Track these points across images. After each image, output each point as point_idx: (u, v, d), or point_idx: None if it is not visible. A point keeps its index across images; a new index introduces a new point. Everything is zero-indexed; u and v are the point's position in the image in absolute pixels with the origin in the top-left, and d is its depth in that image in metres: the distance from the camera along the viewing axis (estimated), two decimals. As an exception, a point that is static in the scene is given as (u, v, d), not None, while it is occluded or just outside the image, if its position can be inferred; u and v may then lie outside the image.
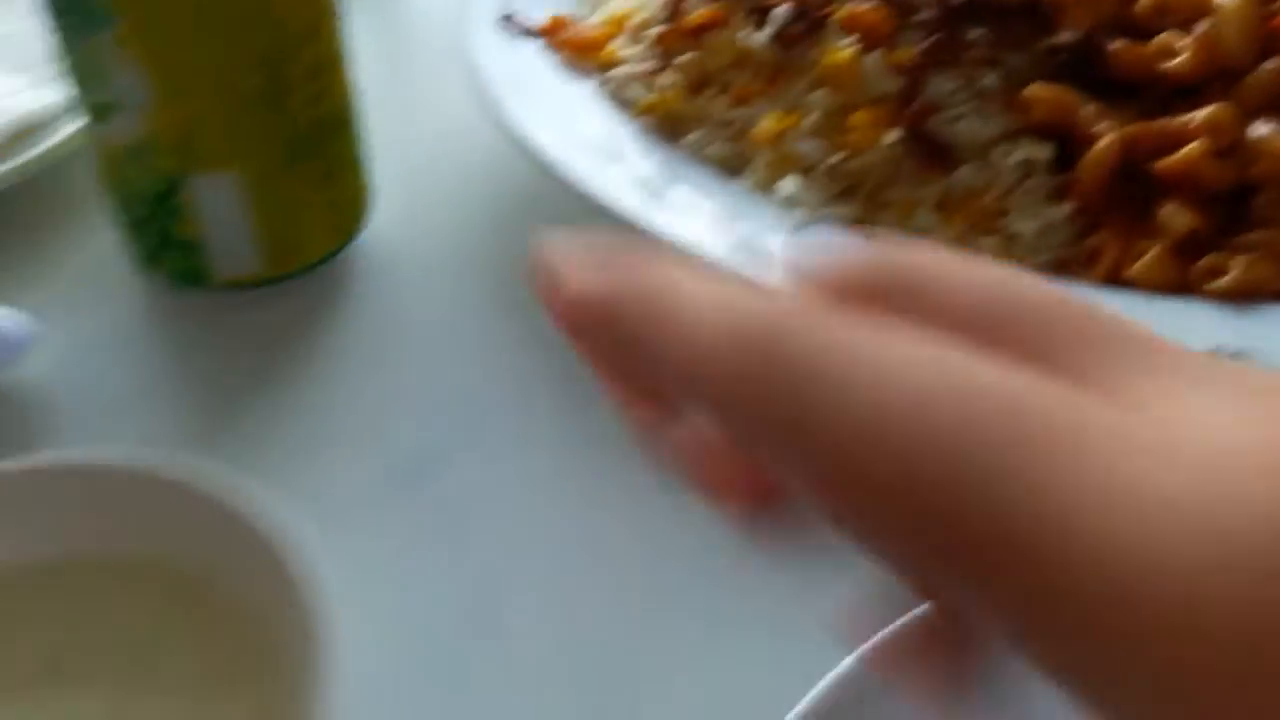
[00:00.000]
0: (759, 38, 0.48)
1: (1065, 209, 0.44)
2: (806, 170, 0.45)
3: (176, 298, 0.45)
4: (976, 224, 0.44)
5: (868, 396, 0.12)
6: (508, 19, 0.54)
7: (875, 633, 0.17)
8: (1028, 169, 0.45)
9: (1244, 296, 0.41)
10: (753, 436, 0.14)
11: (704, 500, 0.17)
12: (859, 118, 0.45)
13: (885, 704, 0.22)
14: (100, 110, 0.41)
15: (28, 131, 0.51)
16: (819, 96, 0.46)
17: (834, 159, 0.45)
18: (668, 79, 0.50)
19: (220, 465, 0.26)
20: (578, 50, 0.53)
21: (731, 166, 0.47)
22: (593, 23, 0.54)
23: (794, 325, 0.13)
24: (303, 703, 0.22)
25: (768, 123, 0.46)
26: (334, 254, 0.46)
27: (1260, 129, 0.43)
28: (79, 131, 0.50)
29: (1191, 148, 0.43)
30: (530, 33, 0.53)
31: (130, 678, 0.24)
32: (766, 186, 0.45)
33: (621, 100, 0.50)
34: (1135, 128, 0.44)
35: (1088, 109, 0.45)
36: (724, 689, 0.30)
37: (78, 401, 0.41)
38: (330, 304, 0.45)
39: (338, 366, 0.43)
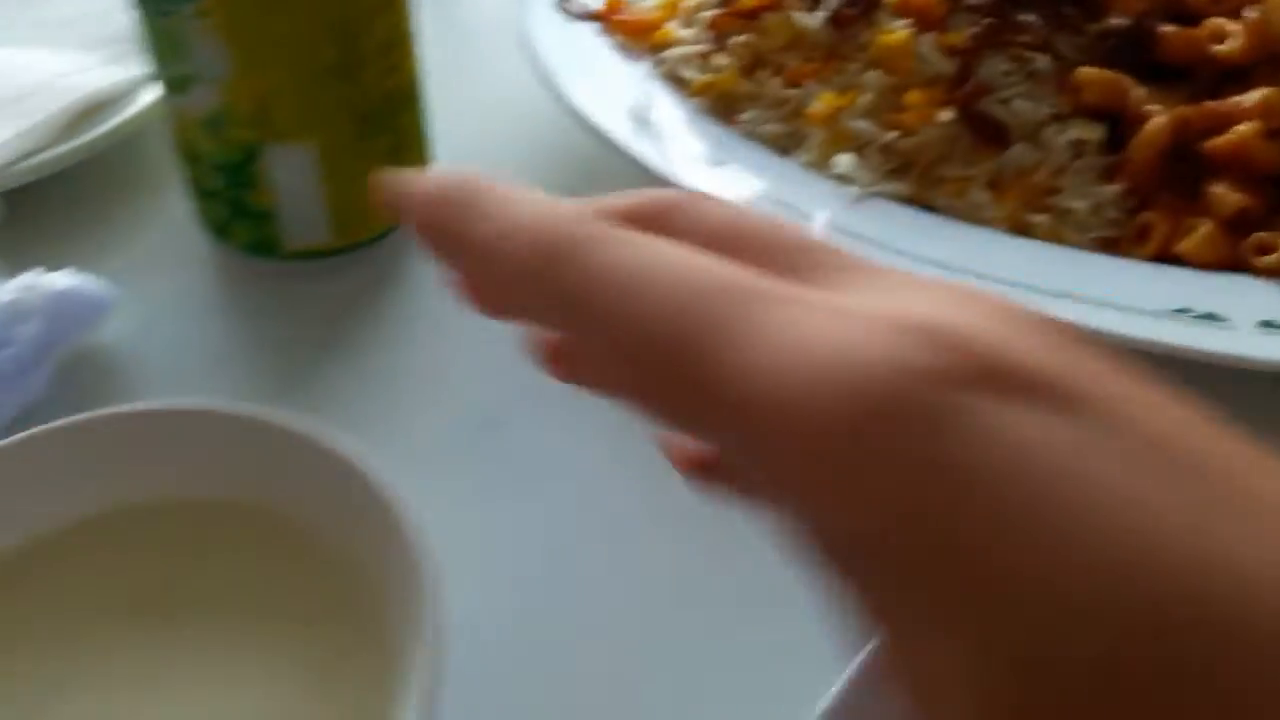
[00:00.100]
0: (813, 20, 0.49)
1: (1116, 187, 0.44)
2: (860, 148, 0.46)
3: (248, 267, 0.46)
4: (1028, 202, 0.44)
5: (624, 279, 0.16)
6: (565, 1, 0.54)
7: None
8: (1079, 149, 0.45)
9: (1294, 272, 0.41)
10: (542, 312, 0.17)
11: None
12: (913, 97, 0.46)
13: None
14: (179, 82, 0.42)
15: (100, 107, 0.52)
16: (873, 77, 0.47)
17: (888, 137, 0.46)
18: (722, 60, 0.50)
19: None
20: (633, 32, 0.53)
21: (785, 145, 0.48)
22: (648, 5, 0.55)
23: (581, 227, 0.17)
24: (405, 646, 0.22)
25: (822, 102, 0.47)
26: (400, 226, 0.47)
27: (1311, 110, 0.43)
28: (154, 105, 0.51)
29: (1243, 129, 0.43)
30: (587, 15, 0.54)
31: (228, 617, 0.24)
32: (820, 164, 0.46)
33: (676, 80, 0.51)
34: (1186, 109, 0.44)
35: (1138, 91, 0.45)
36: (790, 628, 0.31)
37: (153, 364, 0.42)
38: (396, 273, 0.46)
39: (403, 332, 0.43)
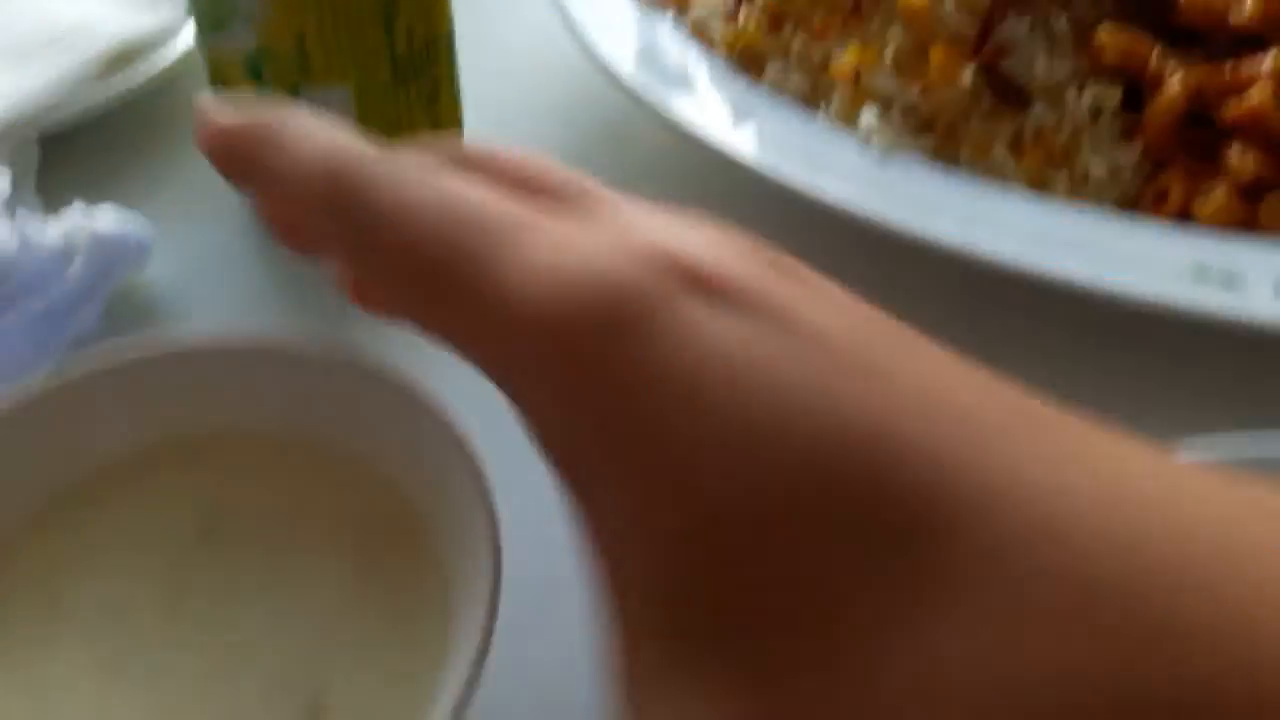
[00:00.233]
0: (839, -23, 0.49)
1: (1134, 149, 0.44)
2: (884, 105, 0.46)
3: (282, 210, 0.46)
4: (1049, 161, 0.44)
5: (405, 209, 0.17)
6: (593, -46, 0.54)
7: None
8: (1098, 110, 0.45)
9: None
10: (333, 242, 0.19)
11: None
12: (936, 55, 0.46)
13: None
14: (216, 23, 0.42)
15: (136, 51, 0.52)
16: (896, 33, 0.47)
17: (910, 95, 0.46)
18: (747, 15, 0.50)
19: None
20: (660, -13, 0.53)
21: (809, 101, 0.48)
22: (675, -40, 0.55)
23: (369, 161, 0.18)
24: (465, 575, 0.23)
25: (847, 57, 0.47)
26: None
27: (1328, 76, 0.43)
28: (190, 49, 0.51)
29: (1258, 94, 0.43)
30: (615, -32, 0.54)
31: (283, 545, 0.24)
32: (845, 120, 0.46)
33: (702, 36, 0.51)
34: (1203, 73, 0.45)
35: (1158, 53, 0.45)
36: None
37: (196, 302, 0.42)
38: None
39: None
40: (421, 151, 0.20)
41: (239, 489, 0.26)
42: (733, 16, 0.51)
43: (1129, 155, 0.44)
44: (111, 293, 0.40)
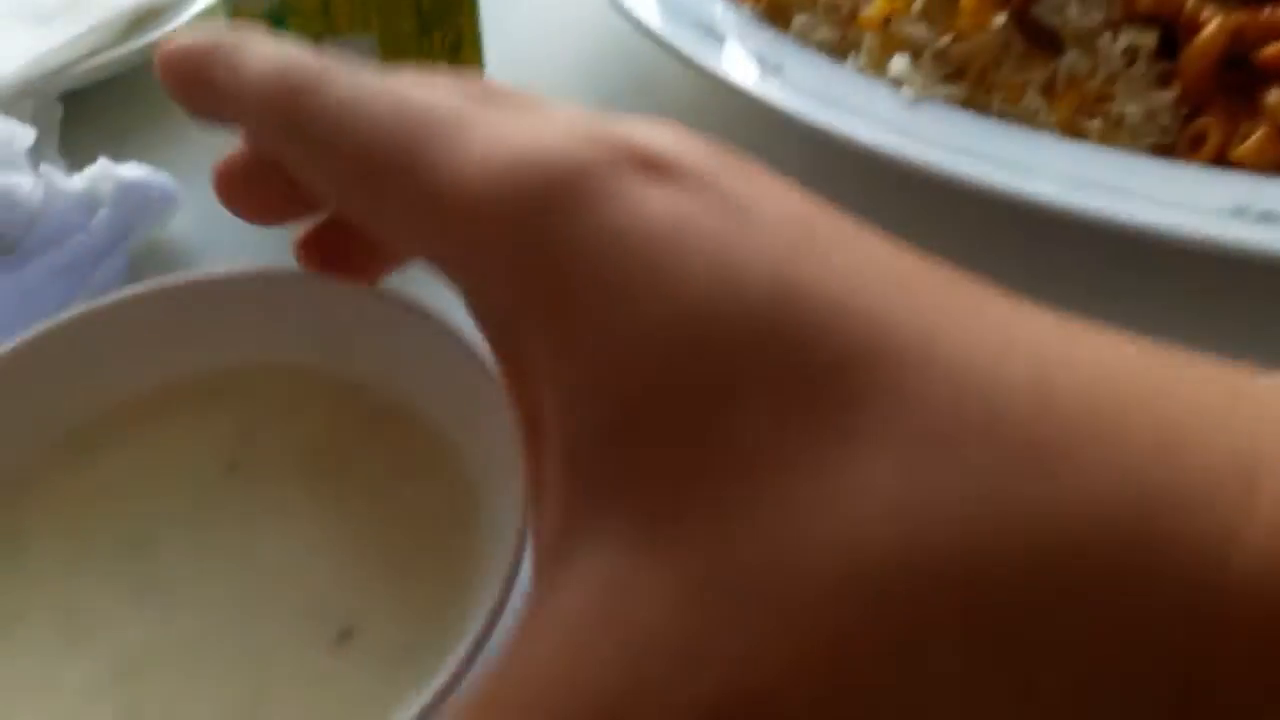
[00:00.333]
0: (867, -75, 0.48)
1: (1170, 94, 0.43)
2: (915, 53, 0.45)
3: (306, 165, 0.45)
4: (1082, 107, 0.43)
5: (354, 105, 0.18)
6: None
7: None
8: (1132, 55, 0.44)
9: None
10: (284, 143, 0.19)
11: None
12: (967, 2, 0.45)
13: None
14: (240, -23, 0.41)
15: (159, 9, 0.51)
16: (927, -18, 0.46)
17: (941, 43, 0.45)
18: (773, -32, 0.49)
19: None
20: (684, -60, 0.52)
21: (837, 51, 0.47)
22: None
23: (319, 66, 0.19)
24: (495, 510, 0.22)
25: (876, 6, 0.46)
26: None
27: (1370, 16, 0.42)
28: (212, 7, 0.50)
29: (1297, 36, 0.42)
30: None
31: (311, 477, 0.24)
32: (874, 69, 0.45)
33: (727, -12, 0.50)
34: (1239, 17, 0.43)
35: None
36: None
37: (216, 260, 0.42)
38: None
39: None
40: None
41: (265, 423, 0.25)
42: (758, -31, 0.50)
43: (1164, 100, 0.43)
44: (136, 247, 0.40)
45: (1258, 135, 0.41)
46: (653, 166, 0.16)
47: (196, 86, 0.21)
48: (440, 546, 0.23)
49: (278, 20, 0.41)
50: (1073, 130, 0.43)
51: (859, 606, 0.13)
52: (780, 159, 0.17)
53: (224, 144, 0.47)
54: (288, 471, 0.24)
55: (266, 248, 0.42)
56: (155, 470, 0.24)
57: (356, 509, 0.24)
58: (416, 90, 0.18)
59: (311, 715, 0.19)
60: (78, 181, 0.39)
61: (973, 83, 0.44)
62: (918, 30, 0.45)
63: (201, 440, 0.25)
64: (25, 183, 0.38)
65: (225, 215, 0.44)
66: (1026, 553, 0.13)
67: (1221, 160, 0.41)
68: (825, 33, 0.47)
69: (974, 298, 0.15)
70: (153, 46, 0.49)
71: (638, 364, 0.14)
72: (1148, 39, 0.44)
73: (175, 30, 0.21)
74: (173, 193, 0.41)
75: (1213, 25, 0.43)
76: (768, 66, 0.44)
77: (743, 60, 0.44)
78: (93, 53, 0.48)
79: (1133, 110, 0.43)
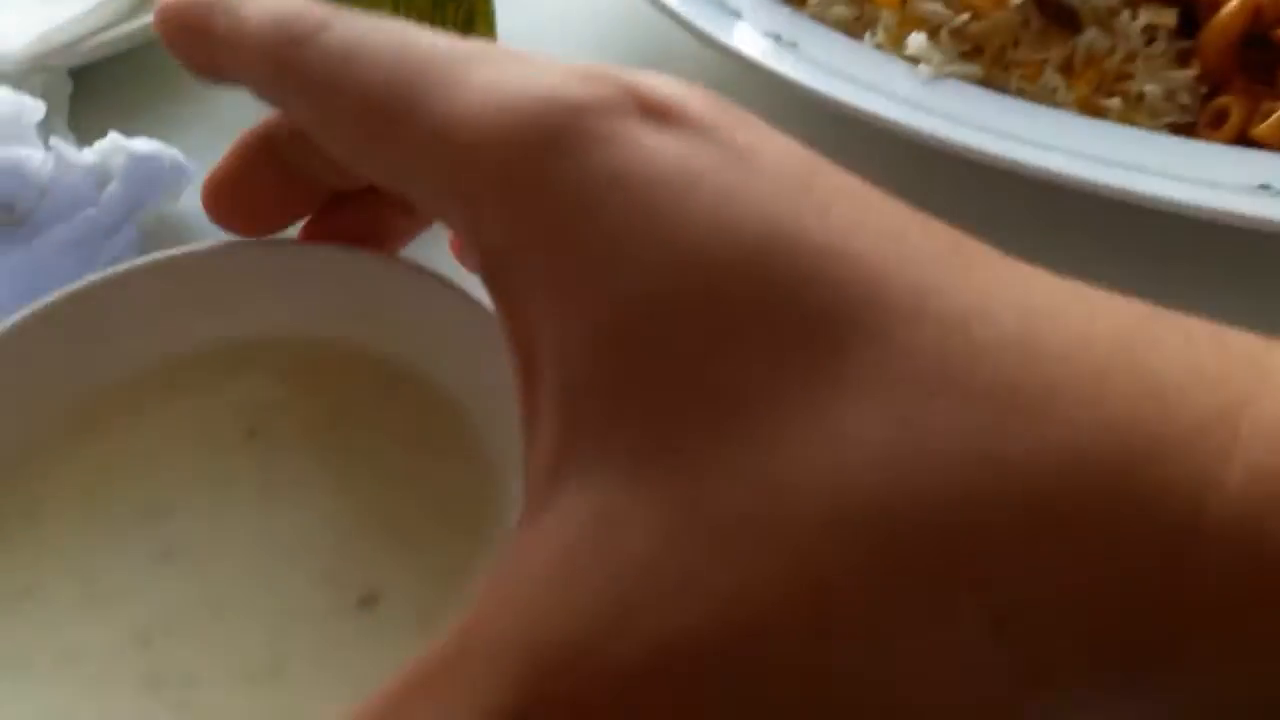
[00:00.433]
0: (884, -98, 0.47)
1: (1189, 72, 0.42)
2: (932, 30, 0.44)
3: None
4: (1101, 86, 0.43)
5: (351, 47, 0.17)
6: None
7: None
8: (1152, 33, 0.43)
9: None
10: (274, 83, 0.19)
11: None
12: (985, -20, 0.44)
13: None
14: (252, -50, 0.41)
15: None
16: (944, -41, 0.45)
17: (959, 20, 0.44)
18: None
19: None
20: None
21: (853, 29, 0.46)
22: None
23: (316, 11, 0.18)
24: (505, 471, 0.22)
25: (893, -16, 0.45)
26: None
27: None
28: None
29: (1318, 15, 0.42)
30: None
31: (329, 445, 0.24)
32: (891, 47, 0.45)
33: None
34: (1260, -5, 0.43)
35: (1212, -24, 0.44)
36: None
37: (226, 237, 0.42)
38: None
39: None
40: None
41: (281, 392, 0.25)
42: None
43: (1184, 78, 0.42)
44: (147, 221, 0.40)
45: (1278, 115, 0.40)
46: (655, 111, 0.16)
47: (196, 39, 0.20)
48: (460, 515, 0.22)
49: (290, -7, 0.41)
50: (1091, 109, 0.42)
51: (843, 549, 0.13)
52: (793, 136, 0.16)
53: (233, 120, 0.47)
54: (305, 441, 0.24)
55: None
56: (172, 440, 0.24)
57: (375, 479, 0.23)
58: (418, 34, 0.18)
59: (335, 679, 0.19)
60: (88, 155, 0.39)
61: (990, 61, 0.44)
62: (935, 8, 0.44)
63: (218, 410, 0.25)
64: (36, 156, 0.38)
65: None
66: (1006, 498, 0.13)
67: (1243, 139, 0.41)
68: (841, 10, 0.46)
69: (967, 253, 0.15)
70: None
71: (633, 304, 0.15)
72: (1167, 17, 0.43)
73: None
74: (184, 166, 0.40)
75: (1233, 3, 0.42)
76: (783, 43, 0.44)
77: (758, 37, 0.44)
78: (102, 28, 0.48)
79: (1152, 89, 0.42)
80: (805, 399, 0.14)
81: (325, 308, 0.26)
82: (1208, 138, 0.41)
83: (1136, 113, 0.42)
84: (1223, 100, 0.42)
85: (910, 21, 0.45)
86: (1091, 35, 0.43)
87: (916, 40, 0.43)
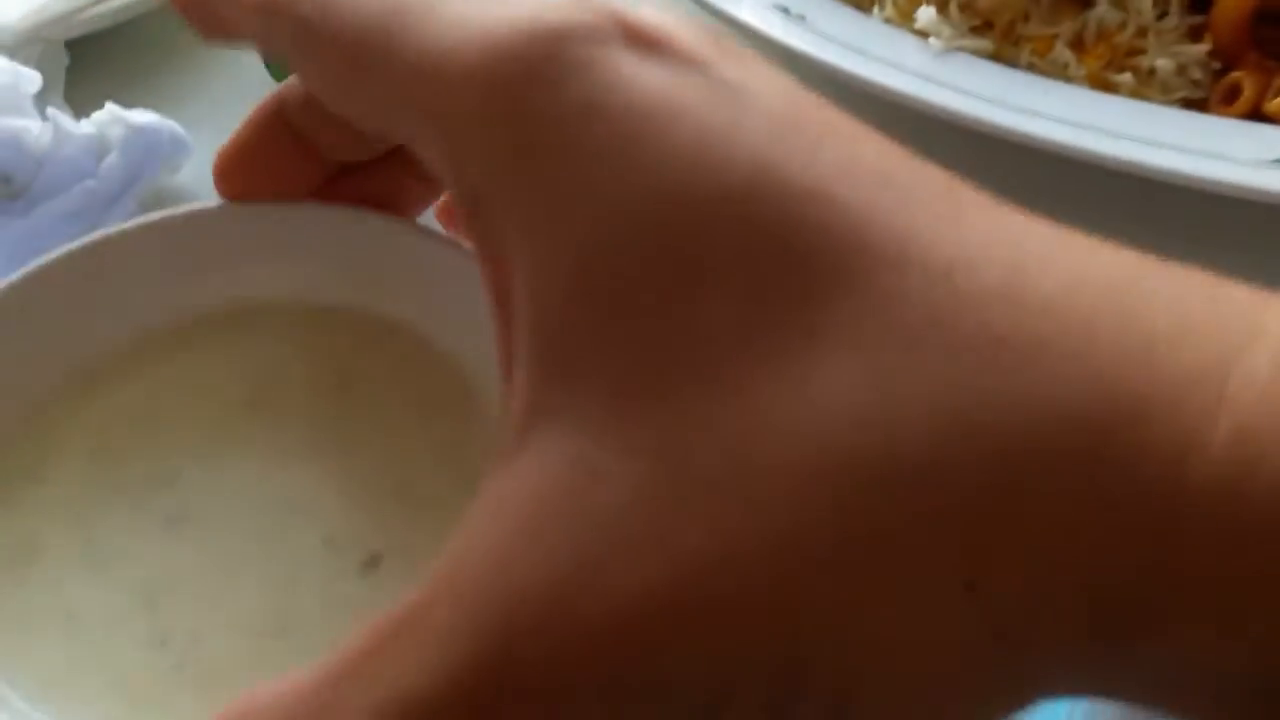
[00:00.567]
0: (893, -125, 0.47)
1: (1202, 47, 0.42)
2: (941, 4, 0.44)
3: (318, 115, 0.45)
4: (1113, 61, 0.42)
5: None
6: None
7: None
8: (1163, 7, 0.43)
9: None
10: (267, 31, 0.18)
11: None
12: (995, -46, 0.44)
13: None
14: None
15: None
16: (953, -68, 0.45)
17: (969, -6, 0.44)
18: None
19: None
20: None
21: (863, 4, 0.46)
22: None
23: None
24: (495, 435, 0.22)
25: (902, -42, 0.45)
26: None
27: None
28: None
29: (1331, -11, 0.41)
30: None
31: (333, 411, 0.23)
32: (900, 20, 0.44)
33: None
34: (1272, -30, 0.43)
35: (1225, -49, 0.43)
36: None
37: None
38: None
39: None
40: None
41: (284, 354, 0.24)
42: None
43: (1196, 54, 0.42)
44: (145, 194, 0.39)
45: (1293, 89, 0.40)
46: (642, 40, 0.15)
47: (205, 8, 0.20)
48: (463, 476, 0.22)
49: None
50: (1103, 84, 0.42)
51: (812, 506, 0.13)
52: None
53: (228, 93, 0.46)
54: (308, 404, 0.24)
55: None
56: (174, 401, 0.24)
57: (379, 441, 0.23)
58: None
59: (340, 639, 0.19)
60: (86, 127, 0.38)
61: (1001, 35, 0.43)
62: (945, -19, 0.44)
63: (221, 372, 0.24)
64: (33, 127, 0.38)
65: (236, 164, 0.43)
66: (981, 458, 0.13)
67: (1256, 115, 0.40)
68: (849, -15, 0.46)
69: (959, 199, 0.15)
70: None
71: (607, 244, 0.14)
72: (1179, -8, 0.43)
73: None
74: (183, 139, 0.40)
75: (1246, -22, 0.42)
76: (791, 15, 0.44)
77: (766, 9, 0.44)
78: (98, 0, 0.47)
79: (1164, 64, 0.42)
80: (781, 349, 0.13)
81: (329, 269, 0.25)
82: (1220, 113, 0.41)
83: (1148, 88, 0.42)
84: (1235, 76, 0.41)
85: (919, -4, 0.44)
86: (1103, 10, 0.43)
87: (926, 14, 0.43)
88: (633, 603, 0.13)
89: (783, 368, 0.13)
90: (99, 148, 0.38)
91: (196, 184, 0.42)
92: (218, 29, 0.21)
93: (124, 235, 0.24)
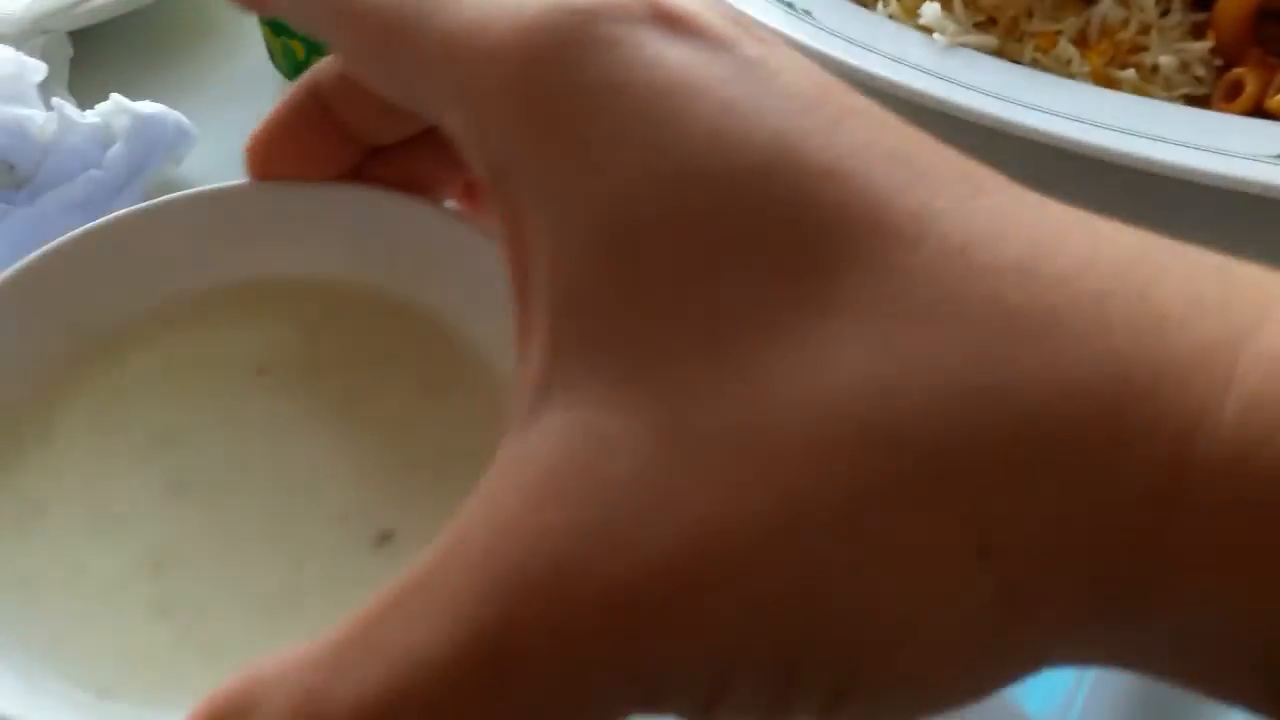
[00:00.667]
0: None
1: (1204, 44, 0.42)
2: (945, 1, 0.44)
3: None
4: (1116, 57, 0.43)
5: None
6: None
7: None
8: (1166, 5, 0.43)
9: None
10: (308, 7, 0.19)
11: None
12: (999, -50, 0.44)
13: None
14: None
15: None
16: (957, -71, 0.45)
17: (973, -9, 0.44)
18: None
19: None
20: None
21: (868, 1, 0.46)
22: None
23: None
24: (507, 415, 0.22)
25: (905, -46, 0.45)
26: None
27: None
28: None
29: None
30: None
31: (343, 386, 0.23)
32: (905, 16, 0.45)
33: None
34: (1277, -33, 0.43)
35: (1228, -52, 0.44)
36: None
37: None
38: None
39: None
40: None
41: (296, 333, 0.24)
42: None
43: (1199, 50, 0.42)
44: (150, 185, 0.39)
45: (1296, 86, 0.40)
46: (669, 19, 0.15)
47: None
48: (474, 454, 0.22)
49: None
50: (1106, 81, 0.42)
51: (822, 475, 0.13)
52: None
53: (231, 85, 0.47)
54: (319, 380, 0.24)
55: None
56: (184, 374, 0.24)
57: (391, 421, 0.23)
58: None
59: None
60: (91, 116, 0.38)
61: (1004, 31, 0.44)
62: (949, -23, 0.44)
63: (237, 347, 0.24)
64: (38, 116, 0.38)
65: (240, 154, 0.43)
66: (994, 428, 0.13)
67: (1258, 112, 0.41)
68: (853, -20, 0.46)
69: (975, 179, 0.15)
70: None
71: (627, 213, 0.14)
72: (1182, -11, 0.43)
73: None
74: (187, 130, 0.40)
75: (1248, -24, 0.42)
76: (796, 10, 0.44)
77: (771, 4, 0.44)
78: (103, -9, 0.48)
79: (1167, 60, 0.42)
80: (794, 324, 0.14)
81: (348, 247, 0.25)
82: (1222, 110, 0.41)
83: (1151, 84, 0.42)
84: (1237, 72, 0.42)
85: (923, -8, 0.45)
86: (1106, 6, 0.43)
87: (930, 10, 0.43)
88: (642, 569, 0.13)
89: (796, 341, 0.14)
90: (104, 137, 0.38)
91: (199, 175, 0.42)
92: (255, 2, 0.22)
93: (149, 210, 0.25)
